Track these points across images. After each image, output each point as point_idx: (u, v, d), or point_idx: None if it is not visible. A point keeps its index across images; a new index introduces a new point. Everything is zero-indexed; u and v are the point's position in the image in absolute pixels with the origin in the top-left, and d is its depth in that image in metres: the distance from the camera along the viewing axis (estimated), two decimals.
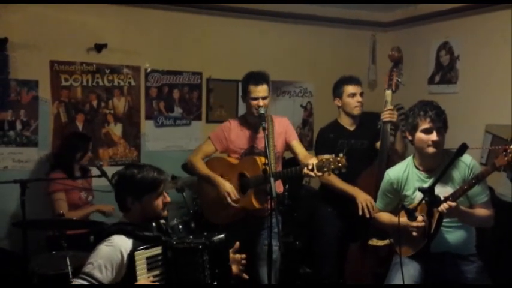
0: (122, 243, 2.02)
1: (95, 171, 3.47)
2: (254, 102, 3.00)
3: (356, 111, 3.29)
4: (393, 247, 2.87)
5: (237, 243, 2.38)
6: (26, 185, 2.83)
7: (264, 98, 2.99)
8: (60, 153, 3.61)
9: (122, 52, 4.07)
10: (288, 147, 3.16)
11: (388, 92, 3.09)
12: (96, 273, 1.95)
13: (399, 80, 3.11)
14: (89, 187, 3.64)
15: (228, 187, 2.97)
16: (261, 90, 2.99)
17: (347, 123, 3.34)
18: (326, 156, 2.66)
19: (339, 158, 2.60)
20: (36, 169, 3.82)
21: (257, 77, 3.02)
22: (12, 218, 3.58)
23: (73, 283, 1.97)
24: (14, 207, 3.52)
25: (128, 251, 2.01)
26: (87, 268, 1.98)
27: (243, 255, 2.37)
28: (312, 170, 2.63)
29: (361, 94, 3.30)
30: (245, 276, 2.35)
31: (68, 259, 2.69)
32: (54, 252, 3.06)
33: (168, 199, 2.21)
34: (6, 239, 3.66)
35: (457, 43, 4.24)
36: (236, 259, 2.33)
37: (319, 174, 2.64)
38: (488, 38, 3.96)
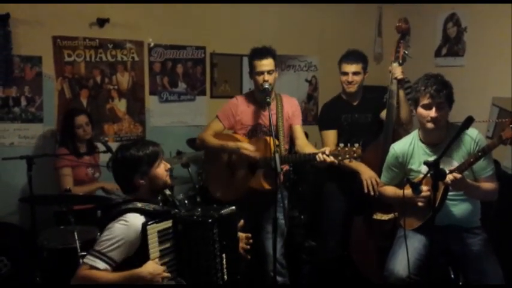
0: (136, 222, 2.02)
1: (100, 147, 3.49)
2: (259, 77, 2.97)
3: (347, 90, 3.23)
4: (397, 221, 2.89)
5: (242, 221, 2.38)
6: (32, 161, 2.85)
7: (269, 72, 2.96)
8: (62, 130, 3.62)
9: (125, 27, 4.03)
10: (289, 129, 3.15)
11: (395, 65, 3.04)
12: (111, 253, 1.97)
13: (406, 52, 3.04)
14: (96, 163, 3.66)
15: (242, 144, 2.96)
16: (266, 64, 2.95)
17: (350, 98, 3.30)
18: (342, 146, 2.66)
19: (354, 149, 2.61)
20: (42, 145, 3.83)
21: (261, 51, 2.99)
22: (20, 193, 3.61)
23: (86, 261, 1.98)
24: (21, 183, 3.55)
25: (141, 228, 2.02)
26: (101, 246, 1.99)
27: (248, 235, 2.38)
28: (328, 156, 2.64)
29: (356, 73, 3.17)
30: (247, 257, 2.37)
31: (75, 234, 2.75)
32: (62, 227, 3.11)
33: (168, 165, 2.23)
34: (15, 214, 3.70)
35: (464, 15, 4.16)
36: (241, 238, 2.34)
37: (335, 160, 2.65)
38: (496, 10, 3.88)
